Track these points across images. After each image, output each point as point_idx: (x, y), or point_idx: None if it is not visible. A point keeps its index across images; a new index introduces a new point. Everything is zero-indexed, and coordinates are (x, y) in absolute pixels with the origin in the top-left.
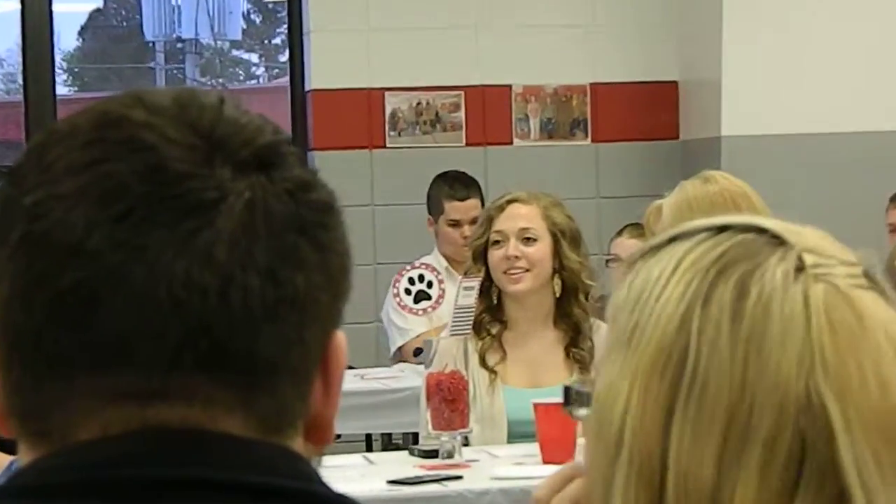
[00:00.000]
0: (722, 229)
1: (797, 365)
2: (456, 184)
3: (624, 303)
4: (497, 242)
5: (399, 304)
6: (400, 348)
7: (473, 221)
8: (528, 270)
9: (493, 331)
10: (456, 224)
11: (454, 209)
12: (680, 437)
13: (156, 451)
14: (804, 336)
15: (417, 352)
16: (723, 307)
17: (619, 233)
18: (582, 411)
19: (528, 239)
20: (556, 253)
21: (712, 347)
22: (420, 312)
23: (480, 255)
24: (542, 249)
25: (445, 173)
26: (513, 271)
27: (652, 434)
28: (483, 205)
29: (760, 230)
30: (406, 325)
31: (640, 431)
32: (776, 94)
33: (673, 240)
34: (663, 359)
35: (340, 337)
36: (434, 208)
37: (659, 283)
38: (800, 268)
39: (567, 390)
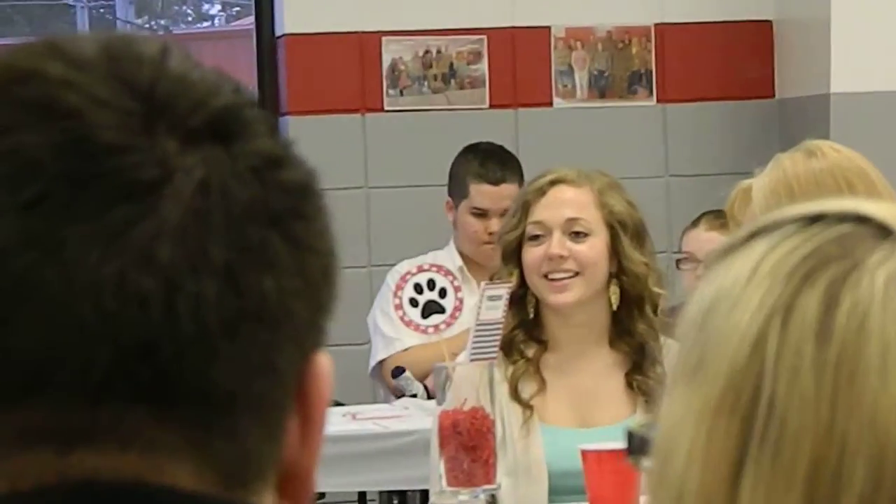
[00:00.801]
0: (815, 219)
1: None
2: (489, 161)
3: (692, 319)
4: (536, 237)
5: (402, 318)
6: (381, 363)
7: (504, 214)
8: (577, 274)
9: (530, 353)
10: (481, 214)
11: (482, 194)
12: (752, 493)
13: None
14: None
15: (397, 372)
16: (806, 323)
17: (695, 223)
18: (649, 462)
19: (578, 233)
20: (615, 251)
21: (793, 375)
22: (431, 330)
23: (513, 254)
24: (595, 247)
25: (476, 145)
26: (557, 276)
27: (718, 490)
28: None
29: (862, 219)
30: (395, 333)
31: (704, 487)
32: None
33: (754, 235)
34: (733, 392)
35: (323, 362)
36: (456, 189)
37: (732, 293)
38: None
39: (630, 436)
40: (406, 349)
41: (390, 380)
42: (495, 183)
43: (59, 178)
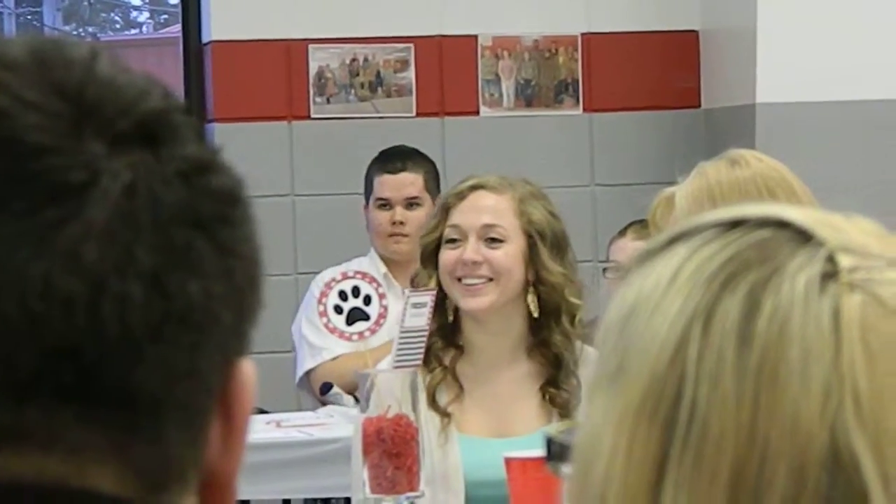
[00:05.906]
0: (735, 225)
1: (821, 403)
2: (391, 155)
3: (612, 324)
4: (452, 241)
5: (326, 325)
6: (309, 373)
7: (410, 204)
8: (490, 280)
9: (447, 360)
10: (385, 204)
11: (382, 184)
12: (675, 498)
13: None
14: (831, 364)
15: (325, 388)
16: (727, 328)
17: (622, 233)
18: (568, 468)
19: (494, 239)
20: (531, 260)
21: (714, 381)
22: (356, 337)
23: (431, 256)
24: (510, 254)
25: (385, 149)
26: (470, 281)
27: (640, 495)
28: (431, 185)
29: (782, 224)
30: (321, 342)
31: (626, 492)
32: (829, 49)
33: (674, 240)
34: (654, 397)
35: (247, 368)
36: (367, 190)
37: (652, 298)
38: (831, 273)
39: (550, 442)
40: (334, 358)
41: (318, 392)
42: (394, 172)
43: None
